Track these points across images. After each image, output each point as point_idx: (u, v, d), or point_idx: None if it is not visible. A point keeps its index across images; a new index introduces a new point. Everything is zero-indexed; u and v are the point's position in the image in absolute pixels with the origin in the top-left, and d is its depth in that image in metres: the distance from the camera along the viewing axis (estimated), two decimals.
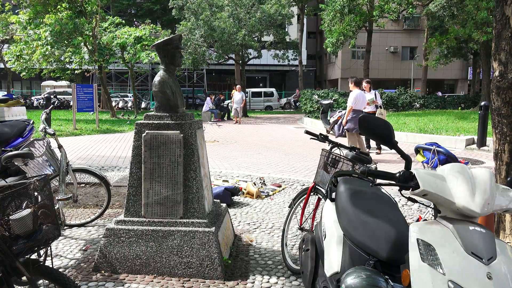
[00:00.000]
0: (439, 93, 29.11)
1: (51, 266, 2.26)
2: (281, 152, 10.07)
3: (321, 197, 3.38)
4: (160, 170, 3.32)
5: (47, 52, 19.46)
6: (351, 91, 8.58)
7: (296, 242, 4.02)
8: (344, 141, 7.81)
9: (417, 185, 1.52)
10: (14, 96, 13.81)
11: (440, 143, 4.56)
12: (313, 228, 3.14)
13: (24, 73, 22.08)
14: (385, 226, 1.81)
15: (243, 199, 5.67)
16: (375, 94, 9.72)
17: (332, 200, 2.37)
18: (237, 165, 8.26)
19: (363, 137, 8.86)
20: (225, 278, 3.21)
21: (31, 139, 4.44)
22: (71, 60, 20.51)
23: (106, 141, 12.04)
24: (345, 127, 8.57)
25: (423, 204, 1.84)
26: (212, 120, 20.99)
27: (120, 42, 20.46)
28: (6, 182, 2.53)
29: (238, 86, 20.62)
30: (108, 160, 8.71)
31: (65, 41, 19.25)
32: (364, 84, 9.43)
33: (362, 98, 8.54)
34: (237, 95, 20.00)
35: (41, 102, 29.34)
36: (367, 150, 9.19)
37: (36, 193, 2.20)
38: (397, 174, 1.60)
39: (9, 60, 21.61)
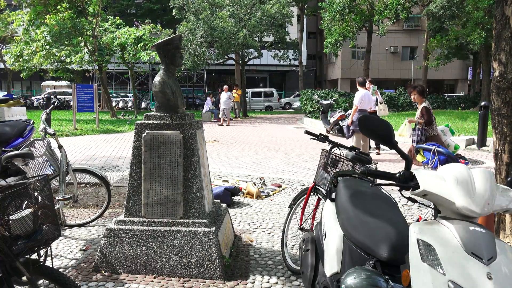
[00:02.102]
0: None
1: (51, 266, 2.26)
2: (281, 152, 10.07)
3: (321, 197, 3.38)
4: (160, 170, 3.32)
5: (44, 52, 19.45)
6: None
7: (296, 242, 4.03)
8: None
9: (417, 185, 1.52)
10: (14, 96, 13.84)
11: None
12: (313, 228, 3.14)
13: (24, 74, 22.07)
14: (385, 226, 1.81)
15: (243, 199, 5.67)
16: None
17: (332, 200, 2.37)
18: (237, 165, 8.26)
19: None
20: (225, 278, 3.21)
21: (31, 139, 4.44)
22: (70, 59, 20.47)
23: (106, 141, 12.05)
24: (351, 127, 8.61)
25: (423, 204, 1.84)
26: (212, 120, 20.98)
27: (121, 42, 20.46)
28: (6, 182, 2.53)
29: (225, 87, 20.04)
30: (108, 160, 8.71)
31: (65, 41, 19.24)
32: (367, 83, 9.59)
33: (367, 98, 8.61)
34: (223, 96, 19.27)
35: (41, 102, 29.32)
36: (368, 150, 9.20)
37: (36, 193, 2.20)
38: (397, 174, 1.60)
39: (9, 60, 21.60)
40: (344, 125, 10.21)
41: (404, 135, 6.35)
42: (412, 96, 6.28)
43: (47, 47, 19.22)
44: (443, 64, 28.17)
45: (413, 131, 6.09)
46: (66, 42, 19.44)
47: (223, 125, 18.25)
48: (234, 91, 23.58)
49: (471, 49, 24.23)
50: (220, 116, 18.93)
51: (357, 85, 8.79)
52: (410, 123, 6.29)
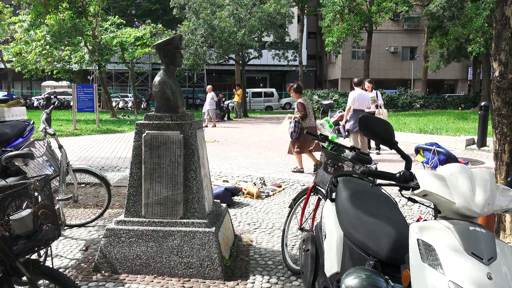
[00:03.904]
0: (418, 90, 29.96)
1: (51, 266, 2.26)
2: (281, 152, 10.06)
3: (321, 197, 3.38)
4: (160, 170, 3.32)
5: (44, 52, 19.44)
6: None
7: (296, 242, 4.03)
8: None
9: (417, 186, 1.52)
10: (14, 96, 13.83)
11: (440, 143, 4.56)
12: (313, 228, 3.14)
13: (20, 68, 21.99)
14: (385, 226, 1.81)
15: (243, 199, 5.67)
16: (377, 94, 9.78)
17: (332, 200, 2.37)
18: (237, 165, 8.26)
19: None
20: (225, 278, 3.21)
21: (32, 139, 4.43)
22: (70, 59, 20.46)
23: (106, 141, 12.05)
24: (346, 127, 8.58)
25: (423, 204, 1.84)
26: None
27: (120, 41, 20.45)
28: (6, 182, 2.53)
29: (209, 87, 19.00)
30: (108, 160, 8.71)
31: (65, 41, 19.25)
32: (366, 84, 9.51)
33: (362, 98, 8.52)
34: (208, 97, 18.13)
35: (41, 102, 29.32)
36: (367, 150, 9.20)
37: (36, 193, 2.20)
38: (397, 174, 1.60)
39: (9, 60, 21.61)
40: (340, 125, 10.20)
41: (284, 131, 7.17)
42: (291, 94, 6.98)
43: (47, 47, 19.23)
44: (444, 65, 28.21)
45: (289, 125, 6.88)
46: (66, 42, 19.44)
47: (208, 127, 16.87)
48: (234, 90, 23.58)
49: (472, 49, 24.30)
50: (205, 117, 17.62)
51: (353, 85, 8.78)
52: (289, 119, 7.13)
